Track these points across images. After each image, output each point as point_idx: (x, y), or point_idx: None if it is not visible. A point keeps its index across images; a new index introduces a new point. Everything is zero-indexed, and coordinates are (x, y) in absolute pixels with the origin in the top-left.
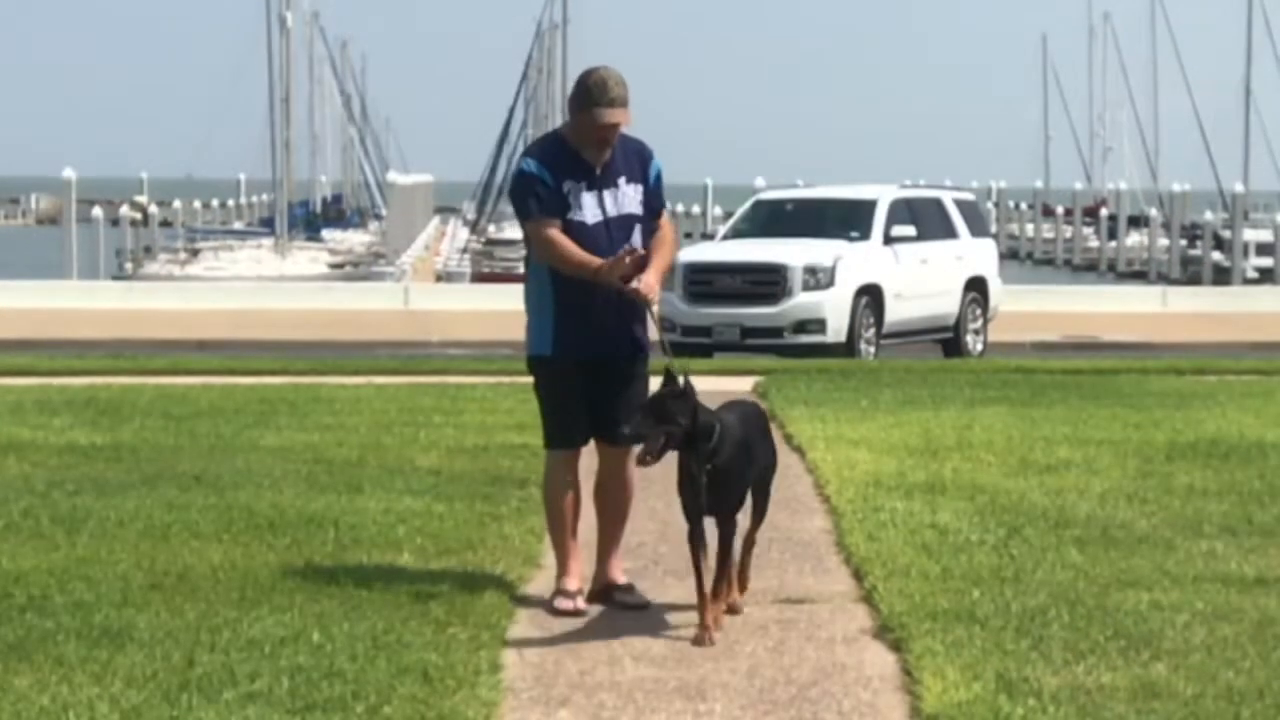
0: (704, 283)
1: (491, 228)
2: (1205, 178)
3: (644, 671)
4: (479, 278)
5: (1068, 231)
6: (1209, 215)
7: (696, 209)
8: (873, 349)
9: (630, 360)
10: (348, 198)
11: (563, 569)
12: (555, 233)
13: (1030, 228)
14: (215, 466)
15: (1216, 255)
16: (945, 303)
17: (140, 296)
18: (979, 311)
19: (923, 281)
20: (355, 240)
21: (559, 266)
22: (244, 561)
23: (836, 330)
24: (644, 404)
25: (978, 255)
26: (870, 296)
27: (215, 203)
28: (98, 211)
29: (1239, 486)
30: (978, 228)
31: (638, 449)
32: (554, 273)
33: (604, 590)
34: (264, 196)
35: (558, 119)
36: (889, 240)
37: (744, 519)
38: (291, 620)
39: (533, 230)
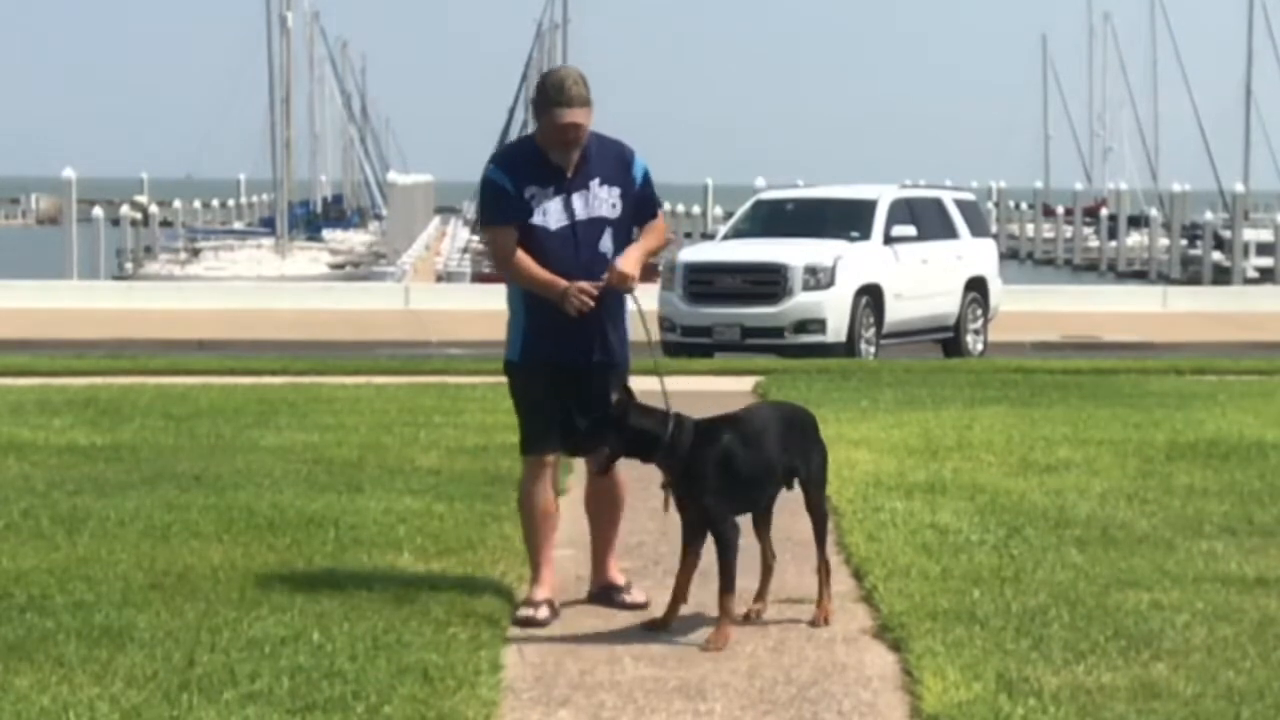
0: (704, 283)
1: None
2: (1205, 178)
3: (644, 671)
4: (479, 278)
5: (1068, 231)
6: (1209, 215)
7: (696, 209)
8: (873, 349)
9: (604, 369)
10: (348, 198)
11: (534, 577)
12: (510, 244)
13: (1030, 228)
14: (215, 466)
15: (1216, 255)
16: (945, 303)
17: (140, 296)
18: (979, 311)
19: (923, 281)
20: (355, 240)
21: (514, 280)
22: (244, 561)
23: (837, 330)
24: (589, 417)
25: (978, 255)
26: (870, 296)
27: (215, 203)
28: (98, 211)
29: (1239, 486)
30: (978, 228)
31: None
32: None
33: (602, 591)
34: (264, 196)
35: None
36: (889, 240)
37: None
38: (291, 620)
39: (488, 238)
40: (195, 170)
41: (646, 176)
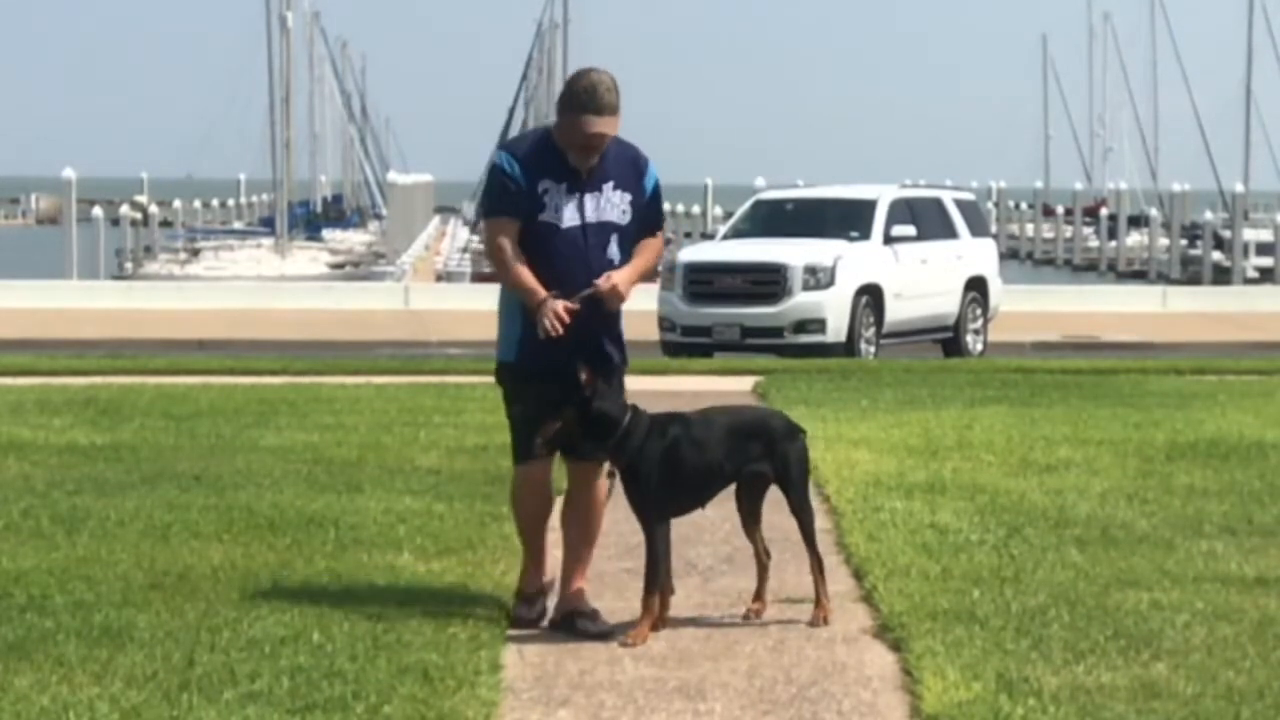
0: (704, 282)
1: None
2: (1205, 178)
3: (644, 671)
4: (479, 278)
5: (1068, 231)
6: (1209, 215)
7: (696, 209)
8: (873, 349)
9: (601, 373)
10: (348, 198)
11: (533, 561)
12: (508, 237)
13: (1030, 228)
14: (215, 466)
15: (1216, 255)
16: (945, 303)
17: (140, 296)
18: (979, 311)
19: (923, 281)
20: (355, 240)
21: (499, 273)
22: (244, 561)
23: (836, 330)
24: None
25: (978, 255)
26: (870, 296)
27: (215, 203)
28: (98, 211)
29: (1239, 486)
30: (978, 228)
31: (606, 466)
32: None
33: (566, 619)
34: (264, 196)
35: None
36: (889, 240)
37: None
38: (291, 620)
39: (488, 228)
40: (195, 170)
41: (656, 189)
